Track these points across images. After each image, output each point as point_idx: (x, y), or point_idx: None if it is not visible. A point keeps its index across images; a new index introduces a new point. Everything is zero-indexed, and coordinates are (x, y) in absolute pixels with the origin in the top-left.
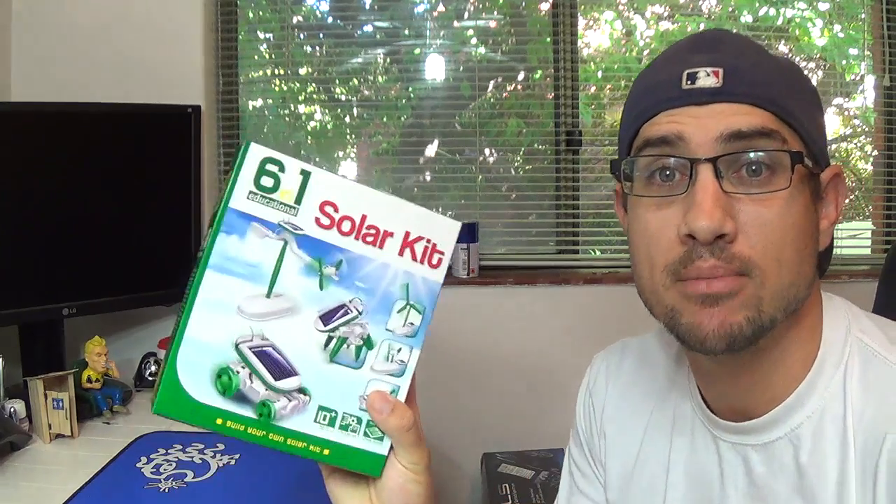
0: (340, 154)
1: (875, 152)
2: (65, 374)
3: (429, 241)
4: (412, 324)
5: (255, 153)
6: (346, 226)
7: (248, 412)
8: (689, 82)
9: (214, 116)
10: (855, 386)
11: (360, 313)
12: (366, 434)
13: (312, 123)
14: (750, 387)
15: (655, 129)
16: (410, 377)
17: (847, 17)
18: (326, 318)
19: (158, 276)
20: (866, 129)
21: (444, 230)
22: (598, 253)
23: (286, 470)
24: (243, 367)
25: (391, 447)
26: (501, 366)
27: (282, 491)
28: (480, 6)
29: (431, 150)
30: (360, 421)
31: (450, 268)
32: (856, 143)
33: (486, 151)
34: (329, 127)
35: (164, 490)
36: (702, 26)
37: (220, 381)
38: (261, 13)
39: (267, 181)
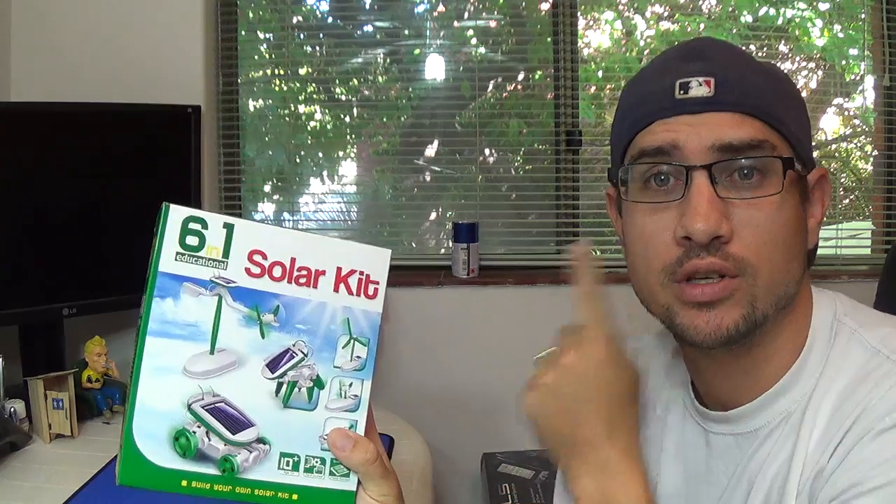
0: (340, 154)
1: (875, 152)
2: (65, 374)
3: (362, 273)
4: (359, 357)
5: (176, 214)
6: (277, 271)
7: (211, 469)
8: (681, 92)
9: (214, 116)
10: (838, 369)
11: (305, 355)
12: (331, 473)
13: (312, 123)
14: (739, 378)
15: (651, 138)
16: (366, 409)
17: (847, 17)
18: (273, 365)
19: None
20: (866, 129)
21: (375, 260)
22: (598, 253)
23: None
24: (199, 427)
25: (359, 482)
26: (502, 365)
27: None
28: (480, 6)
29: (431, 150)
30: (323, 461)
31: (450, 268)
32: (856, 143)
33: (486, 151)
34: (329, 127)
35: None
36: (702, 26)
37: (179, 444)
38: (261, 13)
39: (192, 240)
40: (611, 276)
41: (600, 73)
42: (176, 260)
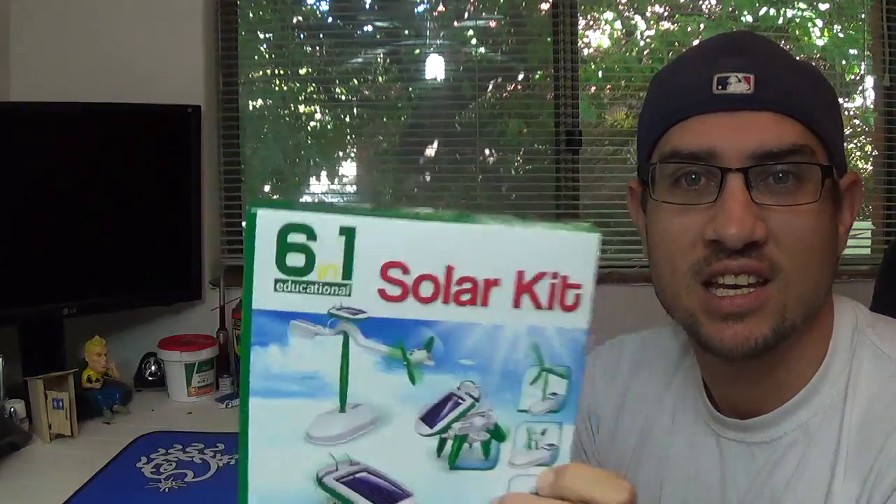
0: (340, 154)
1: (875, 152)
2: (65, 374)
3: (555, 274)
4: (555, 394)
5: (268, 224)
6: (426, 289)
7: None
8: (719, 87)
9: (214, 116)
10: (862, 385)
11: (476, 400)
12: None
13: (312, 123)
14: (761, 387)
15: (686, 139)
16: (568, 461)
17: (847, 17)
18: (431, 418)
19: (158, 276)
20: (866, 129)
21: (575, 251)
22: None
23: None
24: None
25: None
26: None
27: None
28: (480, 6)
29: (431, 150)
30: None
31: None
32: (856, 143)
33: (486, 151)
34: (329, 127)
35: (164, 490)
36: (702, 26)
37: None
38: (261, 13)
39: (295, 259)
40: (611, 276)
41: (600, 73)
42: (276, 290)
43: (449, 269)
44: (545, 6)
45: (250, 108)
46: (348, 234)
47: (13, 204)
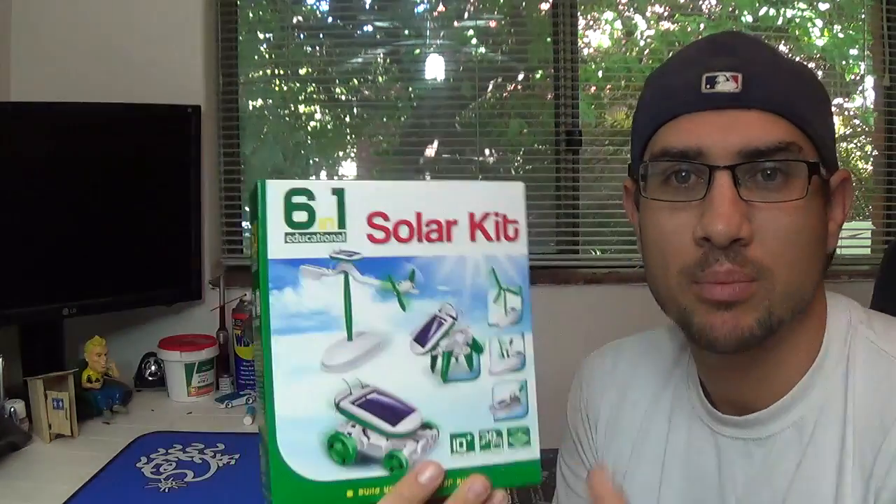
0: (340, 154)
1: (875, 152)
2: (65, 374)
3: (497, 213)
4: (514, 309)
5: (276, 190)
6: (403, 231)
7: (377, 472)
8: (708, 86)
9: (214, 116)
10: (859, 381)
11: (455, 319)
12: (510, 444)
13: (312, 123)
14: (754, 382)
15: (676, 138)
16: (533, 366)
17: (847, 17)
18: (422, 337)
19: (158, 276)
20: (866, 129)
21: (508, 196)
22: (598, 253)
23: None
24: (354, 426)
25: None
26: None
27: None
28: (480, 6)
29: (431, 150)
30: (499, 433)
31: None
32: (856, 143)
33: (486, 151)
34: (329, 127)
35: (164, 490)
36: (702, 26)
37: (335, 451)
38: (261, 13)
39: (300, 215)
40: (611, 276)
41: (600, 73)
42: (286, 242)
43: (418, 215)
44: (545, 6)
45: (250, 108)
46: (339, 193)
47: (13, 204)
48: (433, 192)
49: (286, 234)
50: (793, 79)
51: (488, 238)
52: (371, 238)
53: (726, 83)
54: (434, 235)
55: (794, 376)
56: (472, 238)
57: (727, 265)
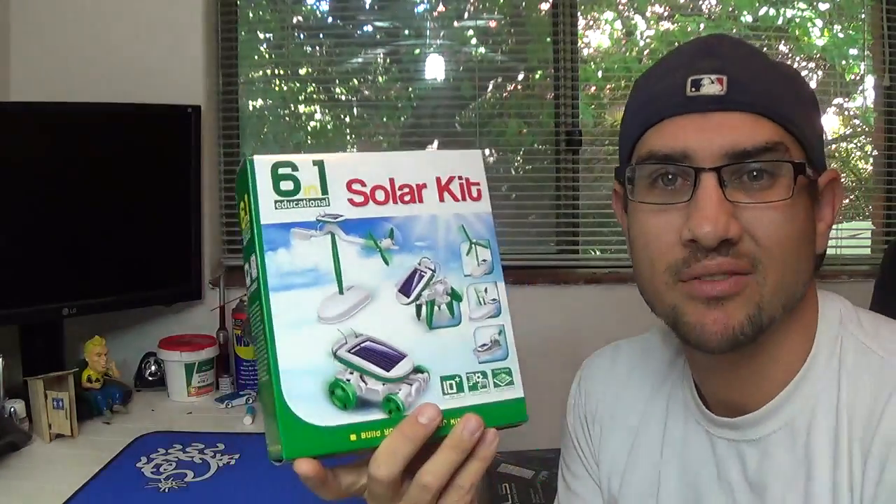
0: None
1: (875, 152)
2: (65, 374)
3: (460, 177)
4: (485, 260)
5: (263, 163)
6: (379, 195)
7: (376, 415)
8: (693, 89)
9: (214, 116)
10: (848, 379)
11: (434, 271)
12: (496, 385)
13: (312, 123)
14: (745, 382)
15: (661, 141)
16: (508, 312)
17: (847, 17)
18: (406, 288)
19: (158, 276)
20: (866, 129)
21: (469, 162)
22: (598, 253)
23: (286, 469)
24: (351, 373)
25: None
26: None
27: (282, 490)
28: (480, 6)
29: (431, 150)
30: (485, 374)
31: None
32: (856, 143)
33: (486, 151)
34: (329, 127)
35: (164, 490)
36: (702, 26)
37: (336, 397)
38: (261, 13)
39: (286, 185)
40: (611, 276)
41: (600, 74)
42: (276, 209)
43: (391, 181)
44: (545, 6)
45: (250, 108)
46: (319, 164)
47: (13, 204)
48: (403, 161)
49: (275, 201)
50: (778, 79)
51: (455, 199)
52: (351, 202)
53: (711, 85)
54: (407, 198)
55: (785, 377)
56: (441, 199)
57: (719, 259)
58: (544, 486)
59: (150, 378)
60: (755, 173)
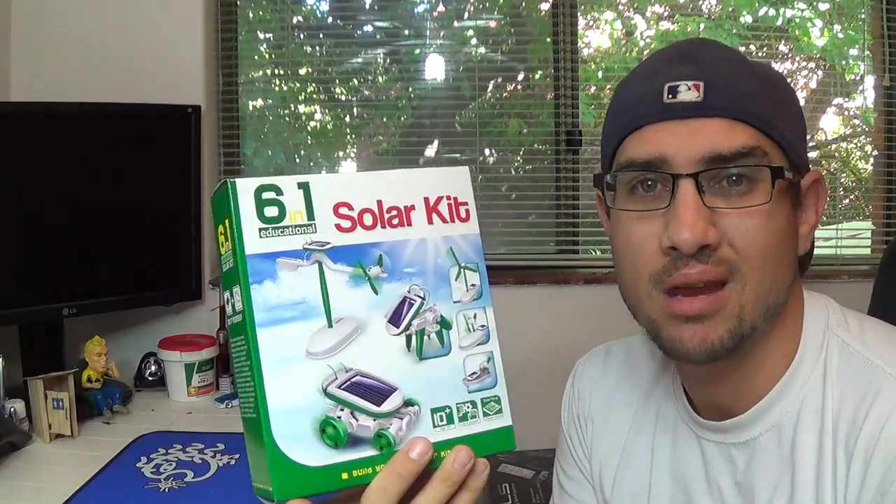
0: (340, 154)
1: (875, 152)
2: (65, 374)
3: (448, 197)
4: (474, 285)
5: (245, 188)
6: (367, 219)
7: (367, 452)
8: (670, 96)
9: (214, 116)
10: (833, 381)
11: (423, 299)
12: (485, 414)
13: (312, 123)
14: (732, 387)
15: (639, 148)
16: (497, 338)
17: (847, 17)
18: (395, 318)
19: (158, 276)
20: (866, 129)
21: (456, 180)
22: (598, 253)
23: None
24: (342, 410)
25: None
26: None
27: None
28: (480, 6)
29: (431, 150)
30: (474, 404)
31: None
32: (856, 143)
33: (486, 151)
34: (329, 127)
35: (164, 490)
36: (702, 26)
37: (327, 435)
38: (261, 13)
39: (271, 211)
40: (611, 276)
41: (600, 74)
42: (261, 237)
43: (379, 203)
44: (545, 6)
45: (250, 108)
46: (305, 187)
47: (13, 204)
48: (390, 181)
49: (260, 228)
50: (756, 83)
51: (444, 220)
52: (339, 227)
53: (688, 92)
54: (395, 221)
55: (772, 380)
56: (430, 221)
57: (699, 266)
58: (544, 486)
59: (150, 378)
60: (734, 178)
